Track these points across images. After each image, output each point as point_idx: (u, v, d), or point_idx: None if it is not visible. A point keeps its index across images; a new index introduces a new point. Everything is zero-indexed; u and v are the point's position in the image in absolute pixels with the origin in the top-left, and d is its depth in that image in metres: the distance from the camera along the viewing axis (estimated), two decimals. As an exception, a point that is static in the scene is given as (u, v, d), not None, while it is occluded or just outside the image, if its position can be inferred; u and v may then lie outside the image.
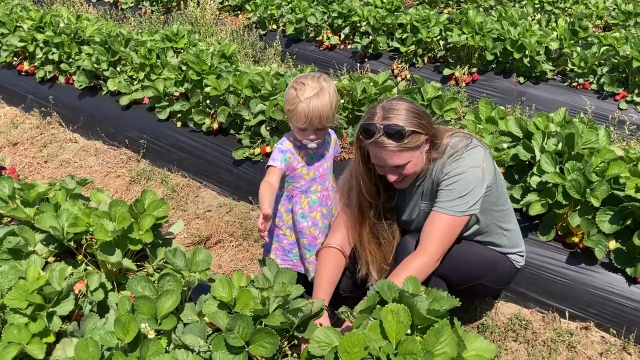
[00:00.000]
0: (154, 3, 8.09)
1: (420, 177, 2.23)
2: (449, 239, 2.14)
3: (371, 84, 3.60)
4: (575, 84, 4.85)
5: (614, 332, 2.48)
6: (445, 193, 2.11)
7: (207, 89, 3.79)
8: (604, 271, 2.54)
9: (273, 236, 2.56)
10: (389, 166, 2.11)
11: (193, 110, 3.94)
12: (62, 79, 4.91)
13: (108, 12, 8.09)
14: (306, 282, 2.50)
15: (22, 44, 5.14)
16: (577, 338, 2.48)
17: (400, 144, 2.03)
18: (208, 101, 3.93)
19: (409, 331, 1.56)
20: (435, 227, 2.12)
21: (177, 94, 4.16)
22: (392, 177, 2.15)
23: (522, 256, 2.44)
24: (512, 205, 2.41)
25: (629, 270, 2.46)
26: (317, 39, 6.25)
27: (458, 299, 1.64)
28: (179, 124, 4.09)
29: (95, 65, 4.55)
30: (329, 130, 2.52)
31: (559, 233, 2.68)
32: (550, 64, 5.03)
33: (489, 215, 2.25)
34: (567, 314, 2.57)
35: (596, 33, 5.36)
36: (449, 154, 2.14)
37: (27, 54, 5.26)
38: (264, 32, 6.77)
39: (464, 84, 5.07)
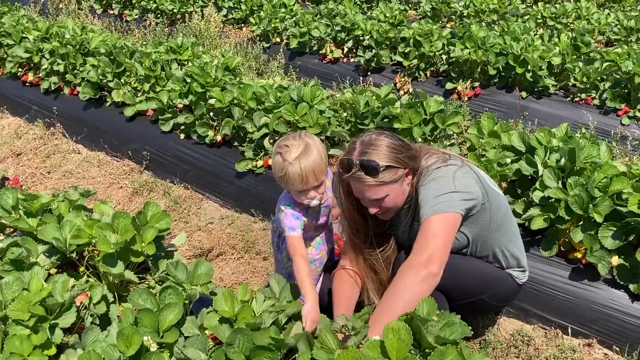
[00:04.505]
0: (159, 15, 8.15)
1: (407, 202, 2.23)
2: (444, 239, 1.99)
3: (374, 97, 3.61)
4: (577, 99, 4.85)
5: (617, 349, 2.46)
6: (423, 202, 2.08)
7: (212, 101, 3.81)
8: (606, 287, 2.53)
9: (275, 261, 2.58)
10: (368, 199, 2.14)
11: (197, 122, 3.96)
12: (66, 90, 4.95)
13: (113, 24, 8.15)
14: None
15: (27, 55, 5.18)
16: (580, 355, 2.47)
17: (376, 179, 2.06)
18: (212, 113, 3.95)
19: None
20: (422, 233, 2.01)
21: (181, 105, 4.18)
22: (372, 210, 2.17)
23: (523, 272, 2.41)
24: (517, 223, 2.40)
25: (632, 287, 2.45)
26: (320, 52, 6.28)
27: (470, 328, 1.63)
28: (182, 135, 4.10)
29: (100, 77, 4.57)
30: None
31: (562, 248, 2.67)
32: (553, 79, 5.03)
33: (485, 232, 2.23)
34: (569, 331, 2.56)
35: (598, 49, 5.38)
36: (424, 175, 2.15)
37: (32, 65, 5.30)
38: (267, 45, 6.81)
39: (466, 98, 5.07)
